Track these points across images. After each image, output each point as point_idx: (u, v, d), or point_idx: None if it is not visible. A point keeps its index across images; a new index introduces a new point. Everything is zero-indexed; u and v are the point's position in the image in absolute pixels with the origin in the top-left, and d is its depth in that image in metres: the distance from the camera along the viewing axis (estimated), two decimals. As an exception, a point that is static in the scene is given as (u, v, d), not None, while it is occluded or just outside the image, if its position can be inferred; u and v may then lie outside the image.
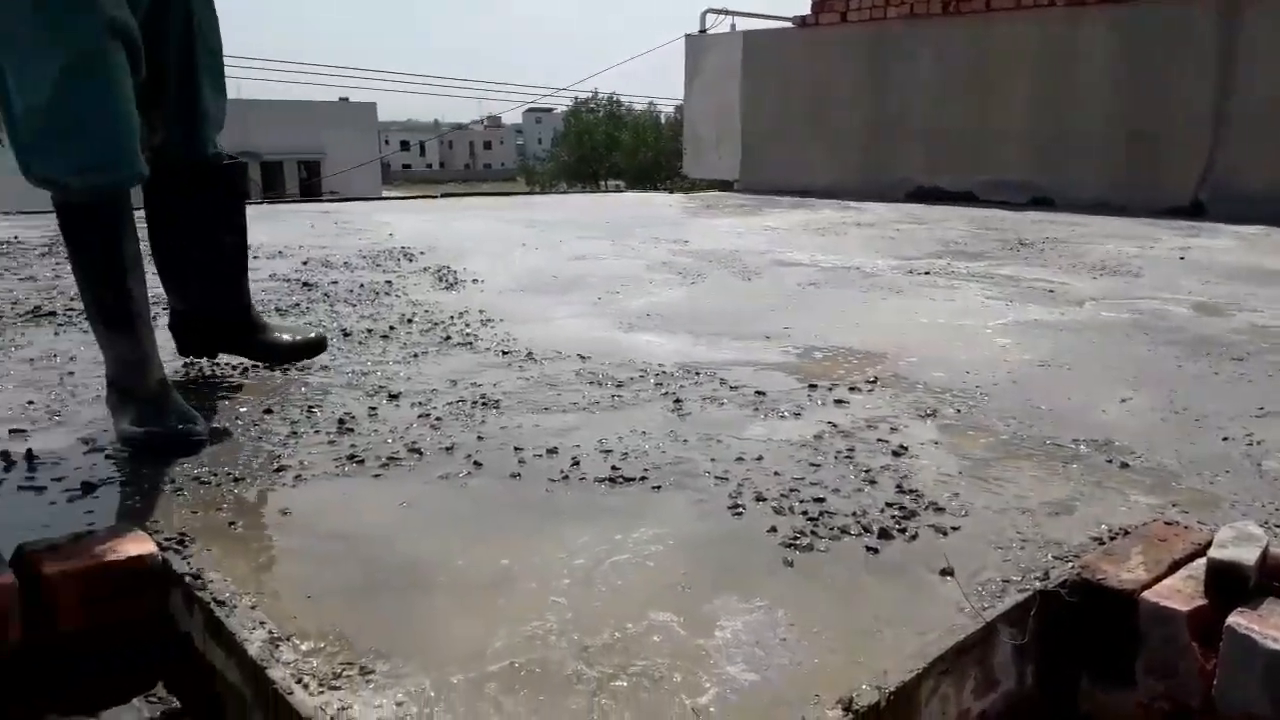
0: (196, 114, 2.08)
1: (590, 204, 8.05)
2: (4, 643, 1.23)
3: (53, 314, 2.90)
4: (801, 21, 8.72)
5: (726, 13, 9.73)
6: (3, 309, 2.96)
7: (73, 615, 1.28)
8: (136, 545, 1.35)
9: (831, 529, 1.50)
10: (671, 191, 9.37)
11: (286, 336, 2.32)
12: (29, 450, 1.77)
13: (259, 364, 2.38)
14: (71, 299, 3.12)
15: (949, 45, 7.87)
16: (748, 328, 2.95)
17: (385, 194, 35.85)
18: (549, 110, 68.57)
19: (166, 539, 1.40)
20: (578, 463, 1.77)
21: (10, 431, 1.89)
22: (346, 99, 35.61)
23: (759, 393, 2.22)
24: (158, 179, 2.01)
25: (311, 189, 32.30)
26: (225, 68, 2.17)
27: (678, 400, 2.16)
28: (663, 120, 51.60)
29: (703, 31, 9.57)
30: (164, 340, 2.12)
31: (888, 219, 6.51)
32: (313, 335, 2.35)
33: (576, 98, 50.95)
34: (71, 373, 2.30)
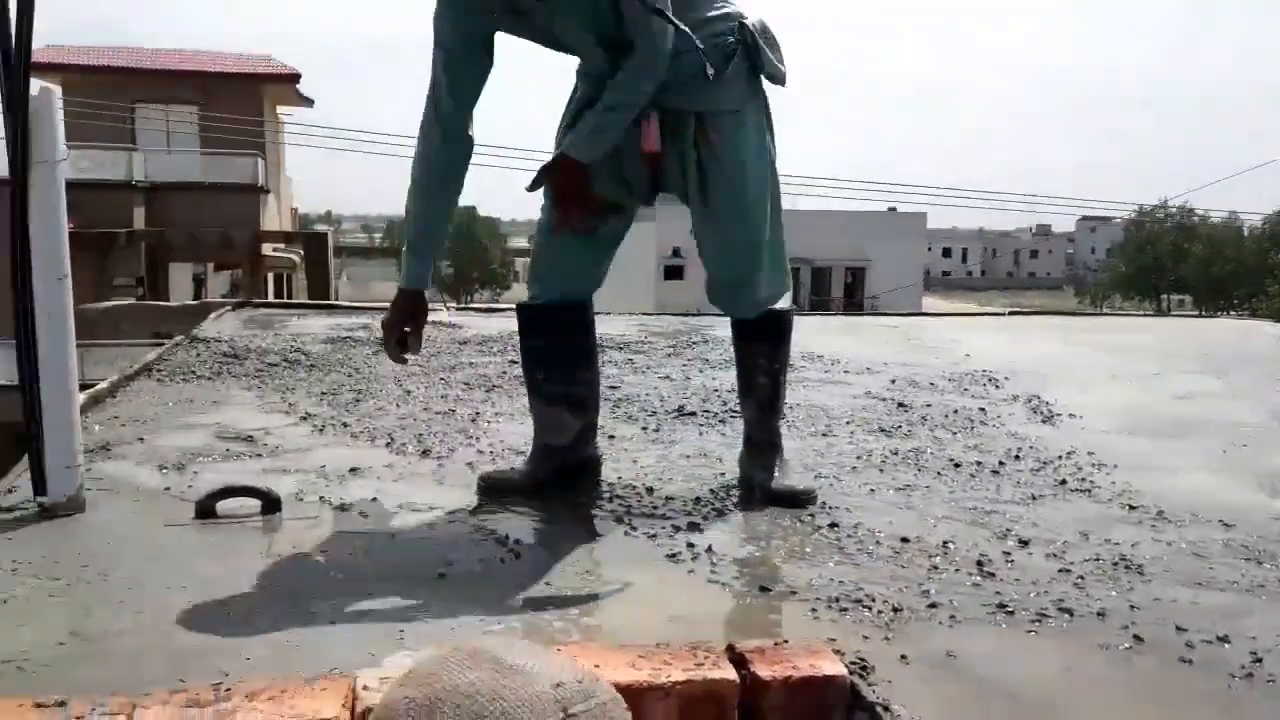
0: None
1: (1175, 329, 7.31)
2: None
3: (693, 413, 3.33)
4: None
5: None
6: (654, 404, 3.47)
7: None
8: (830, 664, 1.48)
9: None
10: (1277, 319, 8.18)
11: None
12: (709, 545, 2.04)
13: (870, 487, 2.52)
14: (704, 400, 3.57)
15: None
16: None
17: (925, 299, 36.05)
18: (1106, 219, 64.13)
19: (851, 663, 1.51)
20: (1259, 659, 1.60)
21: (689, 525, 2.19)
22: (894, 209, 36.56)
23: None
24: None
25: (852, 292, 33.65)
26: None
27: (1374, 600, 1.86)
28: (1245, 232, 45.65)
29: (1334, 141, 8.31)
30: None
31: None
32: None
33: (1141, 206, 46.98)
34: (723, 473, 2.62)
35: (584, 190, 2.28)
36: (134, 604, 1.70)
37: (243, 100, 22.28)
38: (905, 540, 2.13)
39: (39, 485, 2.12)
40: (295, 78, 23.21)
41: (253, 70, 22.98)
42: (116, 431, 2.79)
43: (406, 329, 2.36)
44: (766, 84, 2.36)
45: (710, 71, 2.19)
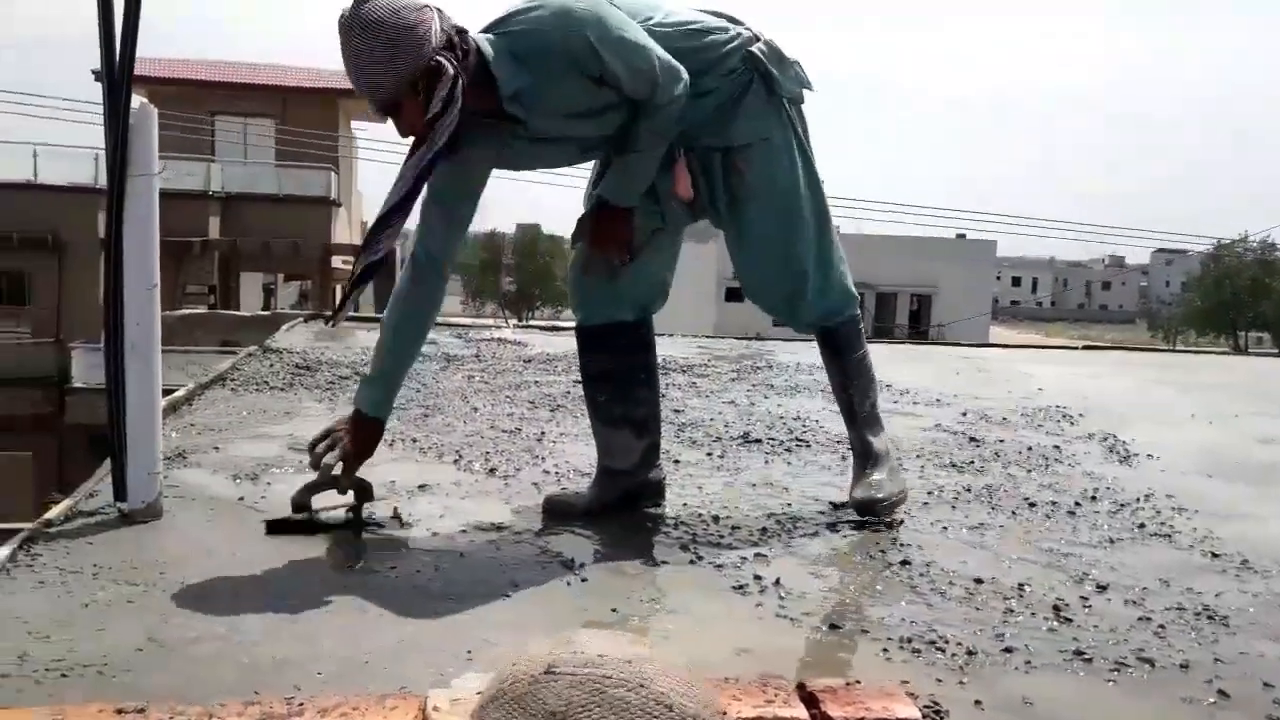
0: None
1: (1256, 369, 7.09)
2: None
3: (759, 440, 3.30)
4: None
5: None
6: (718, 430, 3.45)
7: (848, 761, 1.40)
8: (903, 707, 1.44)
9: None
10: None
11: None
12: (777, 578, 2.01)
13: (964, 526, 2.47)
14: (769, 427, 3.54)
15: None
16: None
17: (992, 329, 35.39)
18: (1183, 252, 62.47)
19: (924, 707, 1.48)
20: (1357, 723, 1.52)
21: (755, 555, 2.17)
22: (964, 235, 36.04)
23: None
24: None
25: (918, 319, 33.22)
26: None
27: None
28: (1331, 268, 44.18)
29: None
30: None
31: None
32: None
33: (1220, 239, 45.67)
34: (790, 504, 2.58)
35: (628, 233, 2.30)
36: (209, 612, 1.73)
37: (319, 114, 22.87)
38: (979, 581, 2.08)
39: (120, 491, 2.17)
40: (371, 93, 23.70)
41: (329, 85, 23.54)
42: (192, 440, 2.85)
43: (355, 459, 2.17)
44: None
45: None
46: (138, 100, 2.06)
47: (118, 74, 1.96)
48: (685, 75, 2.16)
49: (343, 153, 23.46)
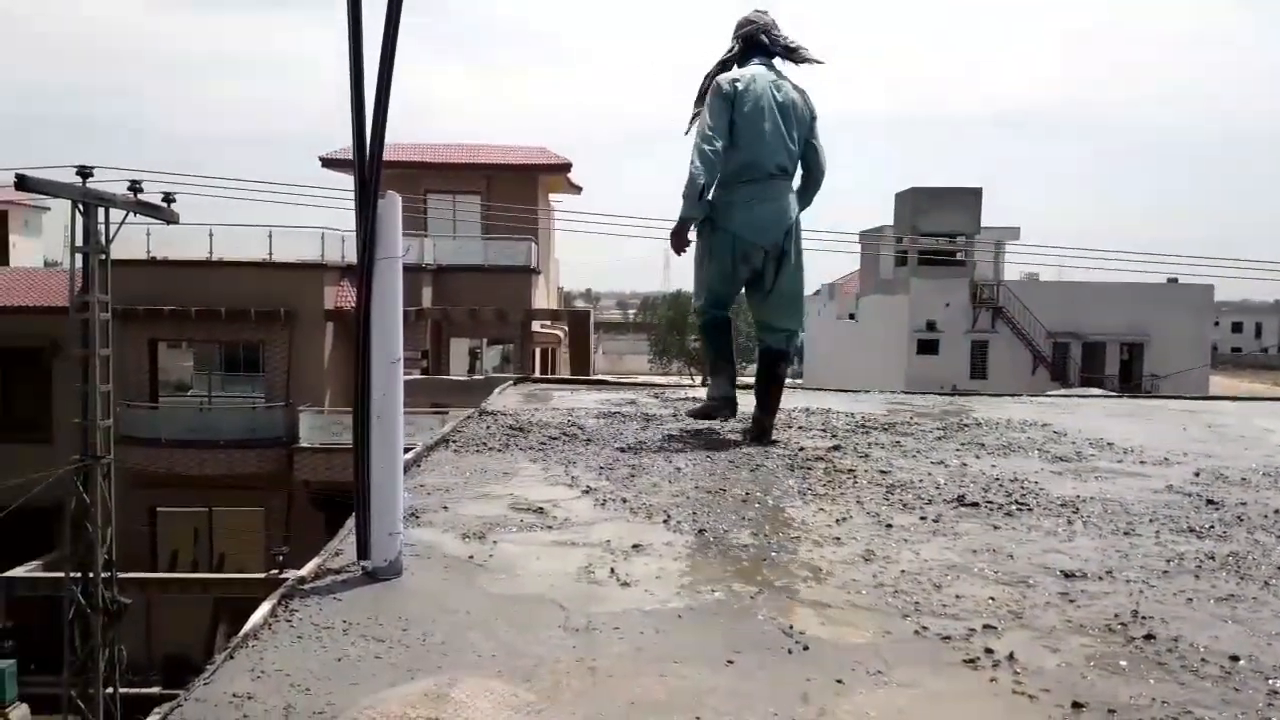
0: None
1: None
2: None
3: (975, 504, 3.17)
4: None
5: None
6: (930, 492, 3.34)
7: None
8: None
9: None
10: None
11: None
12: (1011, 652, 1.93)
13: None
14: (985, 489, 3.39)
15: None
16: None
17: (1212, 378, 32.65)
18: None
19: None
20: None
21: (984, 626, 2.08)
22: (1175, 279, 33.64)
23: None
24: None
25: (1129, 370, 31.16)
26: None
27: None
28: None
29: None
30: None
31: None
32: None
33: None
34: (1015, 571, 2.47)
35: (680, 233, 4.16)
36: (450, 669, 1.82)
37: (520, 189, 24.19)
38: (1234, 658, 1.92)
39: (363, 549, 2.33)
40: (567, 167, 24.90)
41: (530, 161, 24.83)
42: (423, 500, 3.03)
43: None
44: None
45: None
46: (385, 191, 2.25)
47: (368, 171, 2.16)
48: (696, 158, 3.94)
49: (541, 224, 24.60)
